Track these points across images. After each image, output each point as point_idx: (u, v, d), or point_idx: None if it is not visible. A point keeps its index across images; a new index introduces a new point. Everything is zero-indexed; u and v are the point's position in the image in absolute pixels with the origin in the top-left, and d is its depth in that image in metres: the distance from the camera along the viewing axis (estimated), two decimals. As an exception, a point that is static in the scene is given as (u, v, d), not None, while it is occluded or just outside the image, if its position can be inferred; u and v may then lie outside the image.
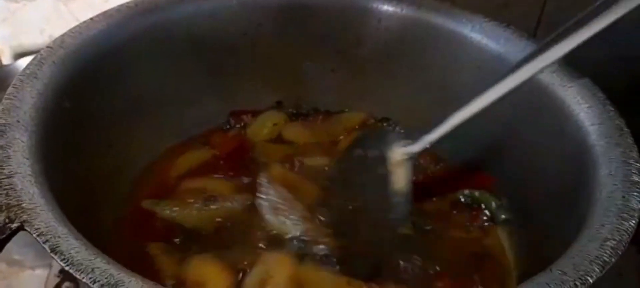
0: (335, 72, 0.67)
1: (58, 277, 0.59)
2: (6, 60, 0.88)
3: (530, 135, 0.55)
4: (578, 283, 0.34)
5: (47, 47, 0.49)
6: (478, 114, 0.46)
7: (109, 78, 0.53)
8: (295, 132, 0.66)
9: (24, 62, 0.76)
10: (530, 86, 0.51)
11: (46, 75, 0.46)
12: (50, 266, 0.60)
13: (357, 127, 0.67)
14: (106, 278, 0.31)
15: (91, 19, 0.53)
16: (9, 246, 0.71)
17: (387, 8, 0.62)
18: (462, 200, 0.58)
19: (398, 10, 0.62)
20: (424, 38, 0.61)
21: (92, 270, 0.32)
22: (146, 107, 0.58)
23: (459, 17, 0.60)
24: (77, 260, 0.32)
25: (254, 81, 0.66)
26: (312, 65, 0.66)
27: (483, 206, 0.57)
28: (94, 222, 0.43)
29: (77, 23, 0.53)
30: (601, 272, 0.35)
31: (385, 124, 0.67)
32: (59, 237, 0.34)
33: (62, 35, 0.51)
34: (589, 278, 0.34)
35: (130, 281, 0.32)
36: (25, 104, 0.43)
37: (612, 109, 0.48)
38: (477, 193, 0.58)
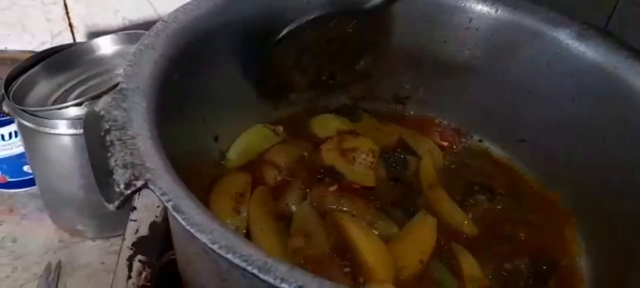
0: (417, 70, 0.67)
1: (131, 249, 0.58)
2: (80, 38, 0.91)
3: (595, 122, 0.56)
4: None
5: (162, 21, 0.52)
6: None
7: (210, 56, 0.56)
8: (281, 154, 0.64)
9: (97, 41, 0.75)
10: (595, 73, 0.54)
11: (161, 47, 0.49)
12: (122, 238, 0.60)
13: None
14: (225, 240, 0.33)
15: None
16: (73, 216, 0.75)
17: (480, 8, 0.61)
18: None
19: (492, 10, 0.61)
20: (516, 41, 0.59)
21: (211, 231, 0.34)
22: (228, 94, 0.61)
23: (556, 21, 0.58)
24: (197, 221, 0.34)
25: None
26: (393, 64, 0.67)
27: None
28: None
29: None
30: None
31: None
32: (180, 198, 0.36)
33: (175, 11, 0.53)
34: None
35: (248, 245, 0.34)
36: (144, 71, 0.46)
37: None
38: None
